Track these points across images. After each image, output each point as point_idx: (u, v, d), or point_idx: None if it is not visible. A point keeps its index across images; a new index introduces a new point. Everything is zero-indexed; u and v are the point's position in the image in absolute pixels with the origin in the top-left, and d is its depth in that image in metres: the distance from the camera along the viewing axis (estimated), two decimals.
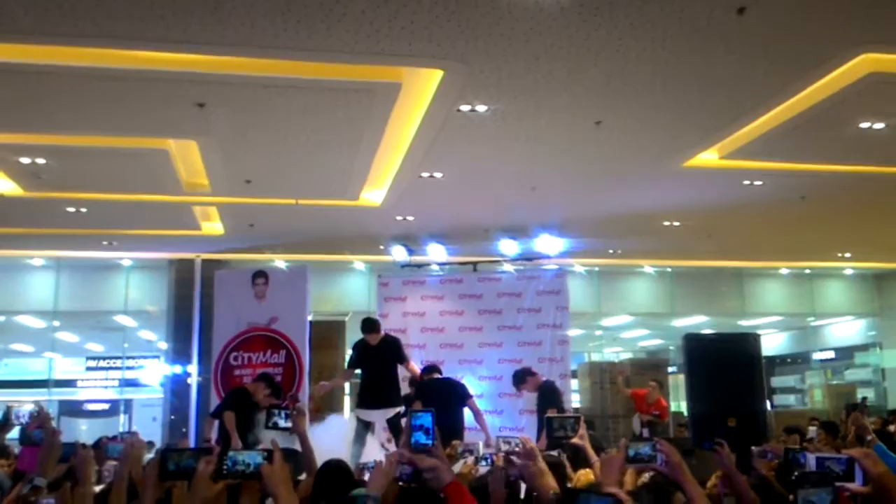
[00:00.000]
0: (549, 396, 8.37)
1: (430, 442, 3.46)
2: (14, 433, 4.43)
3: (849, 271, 16.35)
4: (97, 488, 4.31)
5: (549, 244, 10.92)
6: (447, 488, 3.09)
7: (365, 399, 8.43)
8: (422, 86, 6.69)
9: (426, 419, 3.58)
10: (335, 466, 3.94)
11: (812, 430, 11.31)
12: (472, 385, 9.51)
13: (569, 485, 4.54)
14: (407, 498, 2.85)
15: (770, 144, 8.06)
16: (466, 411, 8.11)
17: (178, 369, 13.27)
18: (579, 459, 4.38)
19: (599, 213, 10.78)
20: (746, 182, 9.45)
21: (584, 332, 18.96)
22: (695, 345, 8.48)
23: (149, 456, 4.47)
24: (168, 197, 9.73)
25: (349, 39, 5.60)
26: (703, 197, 10.06)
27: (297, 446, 4.14)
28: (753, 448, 3.92)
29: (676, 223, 11.46)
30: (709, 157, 8.71)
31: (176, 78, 6.33)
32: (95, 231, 11.47)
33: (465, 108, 6.93)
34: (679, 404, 16.12)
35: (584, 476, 4.26)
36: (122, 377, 17.38)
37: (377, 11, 5.24)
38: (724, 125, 7.64)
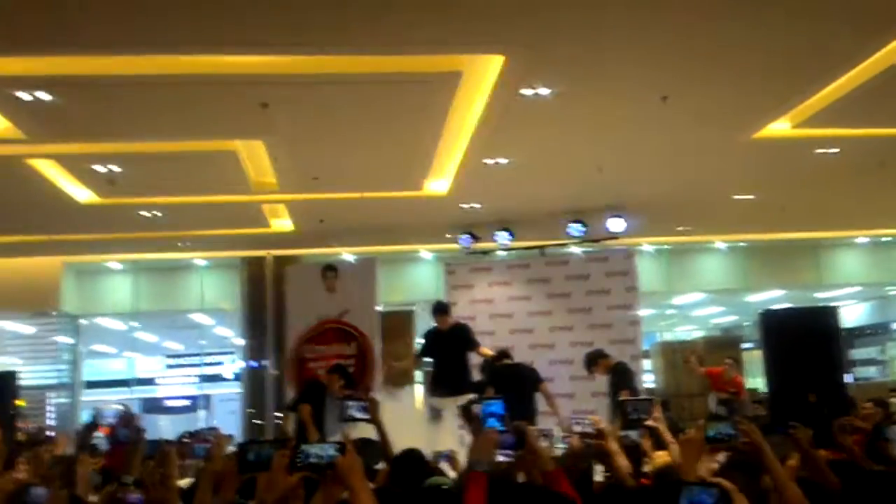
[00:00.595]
0: (621, 378, 8.28)
1: (502, 429, 3.49)
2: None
3: None
4: (181, 482, 4.45)
5: (616, 225, 10.76)
6: (551, 473, 3.10)
7: (436, 386, 8.46)
8: (483, 72, 6.65)
9: (498, 406, 3.59)
10: (410, 455, 3.98)
11: (894, 401, 10.94)
12: (543, 369, 9.45)
13: (645, 468, 4.49)
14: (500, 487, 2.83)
15: (845, 110, 7.74)
16: (539, 396, 8.05)
17: (253, 364, 13.58)
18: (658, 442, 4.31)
19: (667, 190, 10.55)
20: (821, 151, 9.12)
21: (655, 312, 18.68)
22: (772, 321, 8.25)
23: (231, 449, 4.59)
24: (237, 197, 9.94)
25: (408, 31, 5.60)
26: (775, 168, 9.74)
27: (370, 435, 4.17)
28: (834, 422, 3.77)
29: (748, 196, 11.14)
30: (780, 127, 8.42)
31: (239, 80, 6.46)
32: (169, 234, 11.78)
33: (527, 92, 6.85)
34: (754, 380, 15.77)
35: (660, 458, 4.19)
36: (201, 373, 17.86)
37: (434, 0, 5.22)
38: (796, 93, 7.38)
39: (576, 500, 2.79)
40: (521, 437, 3.11)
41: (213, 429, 10.55)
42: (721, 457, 4.27)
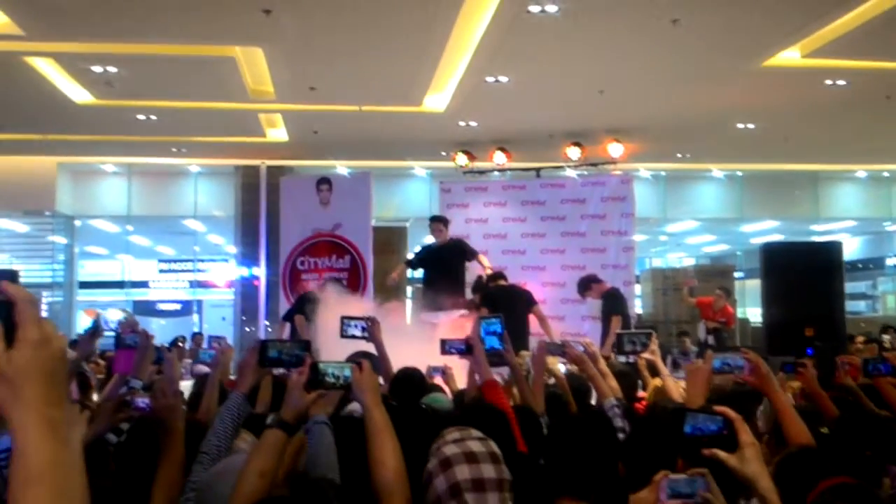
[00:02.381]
0: (613, 303, 8.35)
1: (501, 346, 3.58)
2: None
3: None
4: (183, 384, 4.53)
5: (615, 149, 10.67)
6: (485, 384, 3.25)
7: (429, 301, 8.47)
8: None
9: (497, 325, 3.68)
10: (409, 374, 4.05)
11: (886, 337, 11.11)
12: (535, 291, 9.51)
13: (640, 393, 4.59)
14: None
15: (857, 42, 7.62)
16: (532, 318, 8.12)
17: (246, 272, 13.65)
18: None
19: (670, 116, 10.44)
20: (829, 82, 9.01)
21: (648, 238, 18.73)
22: (773, 254, 8.25)
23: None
24: (234, 104, 9.80)
25: None
26: (781, 98, 9.63)
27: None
28: (838, 360, 3.81)
29: (751, 126, 11.03)
30: (790, 56, 8.30)
31: None
32: (165, 138, 11.67)
33: (534, 8, 6.68)
34: (745, 310, 15.95)
35: (654, 384, 4.29)
36: (193, 279, 17.96)
37: None
38: (810, 21, 7.24)
39: (505, 411, 2.87)
40: (470, 346, 3.38)
41: (221, 338, 10.59)
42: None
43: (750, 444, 1.85)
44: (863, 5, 6.83)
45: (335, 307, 6.67)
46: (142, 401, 2.67)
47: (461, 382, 4.44)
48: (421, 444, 2.24)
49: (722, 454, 1.85)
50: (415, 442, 2.25)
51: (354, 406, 2.71)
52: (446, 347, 3.63)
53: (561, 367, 4.72)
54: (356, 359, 4.55)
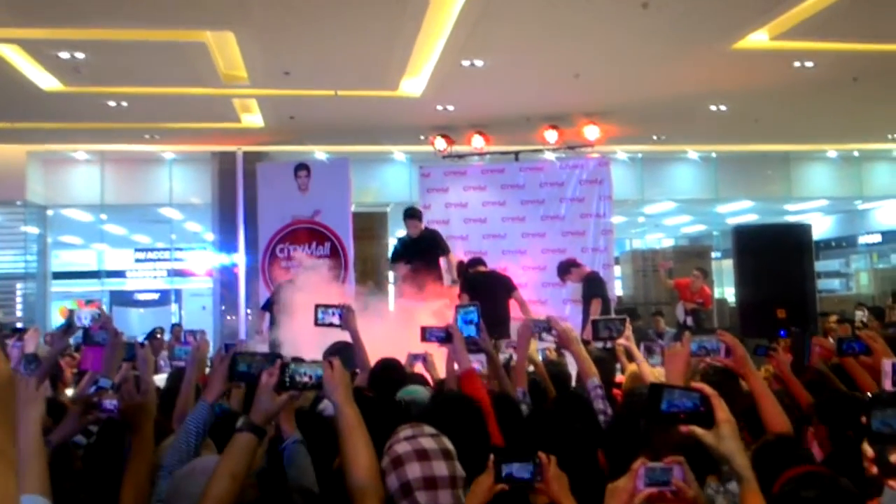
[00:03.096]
0: (594, 287, 8.39)
1: (477, 335, 3.63)
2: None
3: None
4: (156, 377, 4.50)
5: (591, 132, 10.71)
6: (462, 374, 3.28)
7: (409, 291, 8.49)
8: None
9: (473, 314, 3.72)
10: (387, 365, 4.05)
11: (859, 315, 11.31)
12: (516, 275, 9.55)
13: (618, 378, 4.65)
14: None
15: (824, 23, 7.71)
16: (513, 303, 8.16)
17: (225, 260, 13.57)
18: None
19: (644, 98, 10.50)
20: (797, 64, 9.11)
21: (627, 220, 18.83)
22: (744, 236, 8.35)
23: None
24: (207, 90, 9.69)
25: None
26: (751, 80, 9.72)
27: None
28: (812, 346, 3.84)
29: (723, 107, 11.13)
30: (759, 38, 8.37)
31: None
32: (137, 125, 11.54)
33: None
34: (722, 290, 16.12)
35: (630, 370, 4.34)
36: (171, 268, 17.80)
37: None
38: (777, 3, 7.31)
39: (482, 401, 2.89)
40: (450, 334, 3.47)
41: (198, 331, 10.49)
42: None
43: (726, 421, 1.85)
44: None
45: (313, 294, 6.67)
46: (109, 402, 2.62)
47: (442, 369, 4.46)
48: None
49: (699, 430, 1.84)
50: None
51: (327, 403, 2.72)
52: (426, 335, 3.65)
53: (539, 353, 4.77)
54: (328, 355, 4.58)
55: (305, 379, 2.18)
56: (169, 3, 6.92)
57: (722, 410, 1.86)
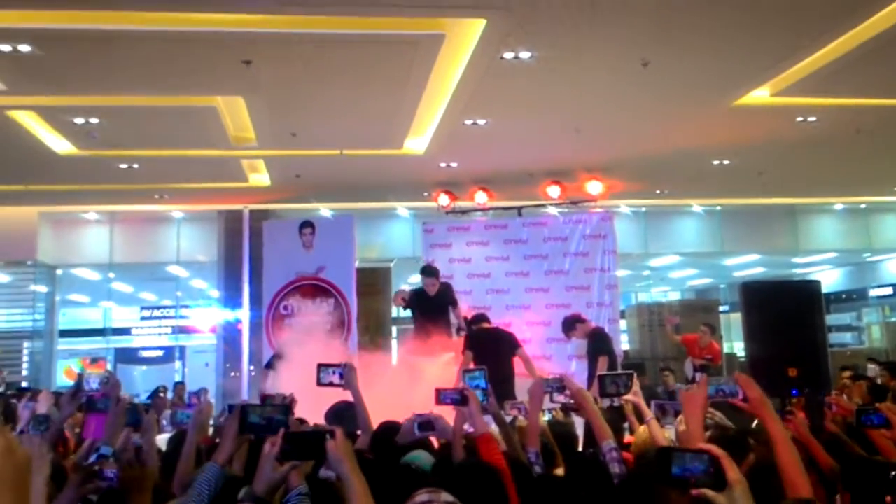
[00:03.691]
0: (599, 343, 8.33)
1: (485, 399, 3.62)
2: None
3: None
4: (158, 437, 4.46)
5: (594, 187, 10.78)
6: (479, 438, 3.24)
7: (417, 345, 8.45)
8: (465, 35, 6.59)
9: (480, 379, 3.72)
10: (389, 428, 4.01)
11: (872, 369, 11.14)
12: (520, 330, 9.52)
13: (627, 438, 4.57)
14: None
15: (825, 80, 7.80)
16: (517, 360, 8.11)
17: (229, 316, 13.58)
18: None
19: (646, 154, 10.59)
20: (799, 119, 9.19)
21: (632, 273, 18.79)
22: (752, 292, 8.29)
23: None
24: (216, 151, 9.86)
25: None
26: (754, 135, 9.80)
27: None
28: (825, 410, 3.76)
29: (726, 162, 11.20)
30: (760, 95, 8.46)
31: (223, 37, 6.37)
32: (147, 185, 11.70)
33: (508, 55, 6.81)
34: (731, 344, 15.97)
35: (642, 433, 4.26)
36: (176, 325, 17.81)
37: None
38: (777, 62, 7.40)
39: (501, 468, 2.84)
40: (465, 396, 3.44)
41: (201, 391, 10.47)
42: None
43: (738, 482, 1.83)
44: (826, 46, 7.01)
45: (314, 352, 6.65)
46: (110, 471, 2.61)
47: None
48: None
49: (710, 493, 1.83)
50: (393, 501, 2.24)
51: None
52: (441, 397, 3.61)
53: (546, 413, 4.72)
54: (331, 415, 4.53)
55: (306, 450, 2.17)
56: (181, 72, 7.09)
57: (732, 471, 1.84)
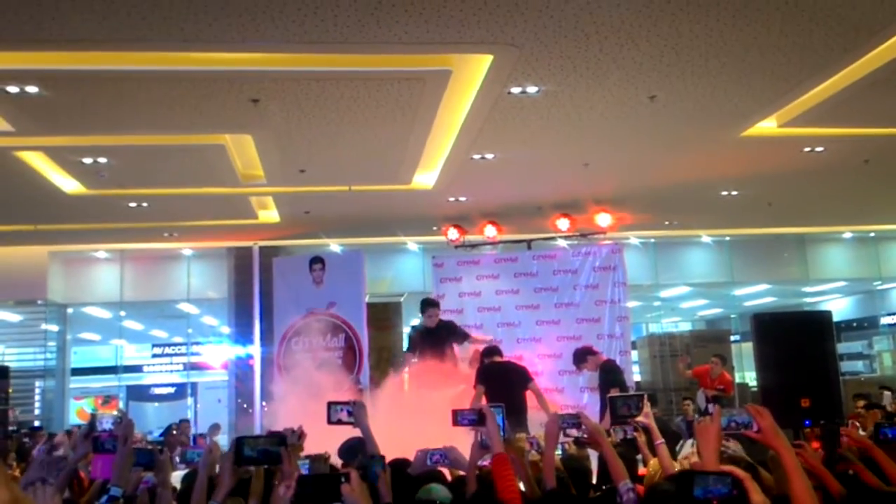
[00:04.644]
0: (611, 375, 8.33)
1: (502, 434, 3.60)
2: None
3: None
4: (176, 475, 4.45)
5: (603, 219, 10.81)
6: (495, 458, 3.23)
7: (424, 381, 8.46)
8: (472, 70, 6.66)
9: (498, 417, 3.72)
10: (399, 465, 3.99)
11: (887, 396, 11.07)
12: (531, 363, 9.49)
13: (641, 470, 4.54)
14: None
15: (832, 110, 7.82)
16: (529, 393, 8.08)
17: (241, 352, 13.58)
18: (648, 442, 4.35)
19: (654, 186, 10.62)
20: (807, 149, 9.21)
21: (642, 304, 18.75)
22: (764, 324, 8.26)
23: (216, 438, 4.55)
24: (225, 189, 9.93)
25: (399, 30, 5.60)
26: (762, 165, 9.82)
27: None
28: (842, 437, 3.74)
29: (734, 192, 11.21)
30: (767, 126, 8.49)
31: (230, 76, 6.44)
32: (156, 224, 11.78)
33: (515, 90, 6.87)
34: (743, 374, 15.87)
35: (654, 464, 4.23)
36: (187, 361, 17.82)
37: (425, 0, 5.23)
38: (784, 93, 7.43)
39: (513, 495, 2.84)
40: (483, 415, 3.44)
41: (216, 425, 10.44)
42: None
43: None
44: (832, 78, 7.05)
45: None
46: None
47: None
48: None
49: None
50: None
51: None
52: (458, 418, 3.60)
53: (559, 447, 4.68)
54: (343, 452, 4.52)
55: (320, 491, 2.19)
56: (189, 111, 7.16)
57: (756, 493, 1.85)
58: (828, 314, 8.46)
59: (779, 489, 3.06)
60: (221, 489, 2.54)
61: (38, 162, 8.83)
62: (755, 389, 11.97)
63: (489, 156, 8.90)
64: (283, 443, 2.59)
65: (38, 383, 13.90)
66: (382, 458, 3.33)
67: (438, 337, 8.69)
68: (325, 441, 4.43)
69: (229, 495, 2.58)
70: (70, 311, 14.52)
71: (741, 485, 1.84)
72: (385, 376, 9.96)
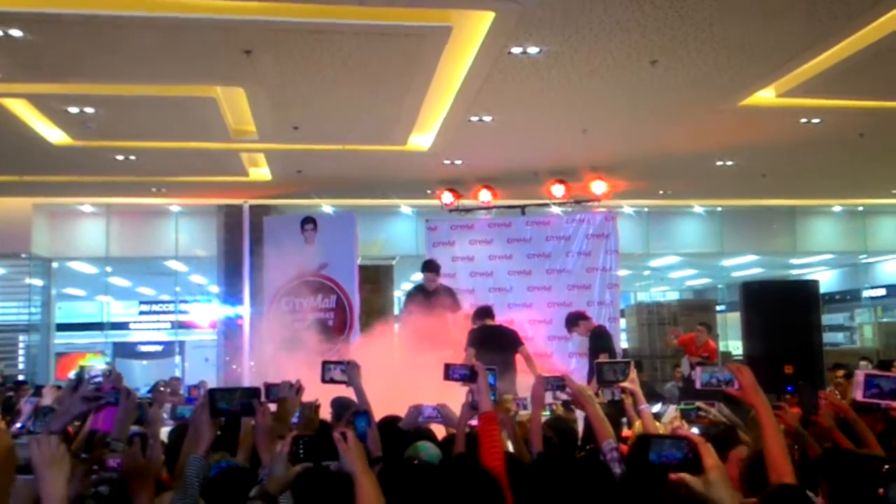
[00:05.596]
0: (600, 341, 8.36)
1: (493, 398, 3.60)
2: None
3: None
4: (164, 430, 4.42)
5: (598, 186, 10.76)
6: (482, 417, 3.22)
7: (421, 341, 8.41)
8: (472, 28, 6.53)
9: (490, 378, 3.71)
10: (390, 424, 3.99)
11: (863, 366, 11.20)
12: (522, 328, 9.48)
13: (625, 432, 4.56)
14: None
15: (830, 81, 7.78)
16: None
17: (229, 312, 13.53)
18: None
19: (651, 154, 10.57)
20: (804, 120, 9.18)
21: (632, 273, 18.85)
22: (752, 292, 8.31)
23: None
24: (215, 144, 9.78)
25: None
26: (758, 136, 9.79)
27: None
28: (820, 400, 3.79)
29: (730, 163, 11.19)
30: (766, 96, 8.45)
31: (223, 25, 6.27)
32: (144, 178, 11.61)
33: (516, 50, 6.76)
34: (727, 343, 16.02)
35: (639, 427, 4.25)
36: (175, 320, 17.77)
37: None
38: (784, 62, 7.38)
39: (497, 469, 2.87)
40: (474, 372, 3.46)
41: (203, 382, 10.43)
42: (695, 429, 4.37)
43: (714, 468, 1.88)
44: (833, 48, 6.99)
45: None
46: (113, 461, 2.61)
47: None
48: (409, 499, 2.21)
49: (689, 478, 1.87)
50: (402, 498, 2.23)
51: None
52: (449, 373, 3.60)
53: (546, 408, 4.69)
54: (335, 408, 4.52)
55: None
56: (179, 59, 7.00)
57: (710, 457, 1.90)
58: (814, 284, 8.54)
59: (756, 447, 3.11)
60: (203, 442, 2.55)
61: (23, 110, 8.63)
62: (738, 358, 12.10)
63: (487, 118, 8.80)
64: (256, 395, 2.63)
65: (22, 338, 13.81)
66: (368, 412, 3.33)
67: (436, 300, 8.63)
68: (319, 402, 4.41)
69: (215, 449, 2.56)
70: (55, 265, 14.38)
71: (696, 448, 1.87)
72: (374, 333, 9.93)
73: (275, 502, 2.14)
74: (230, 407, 2.59)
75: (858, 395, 2.47)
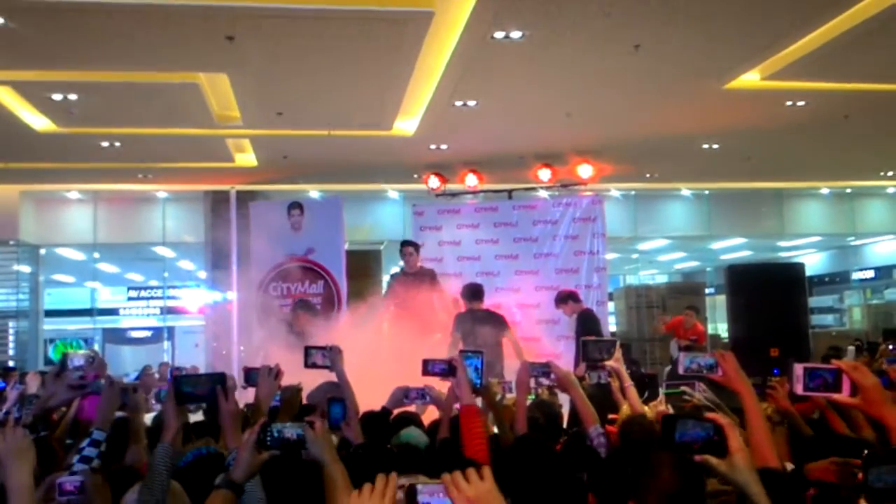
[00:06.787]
0: (588, 325, 8.38)
1: (479, 381, 3.62)
2: None
3: (891, 190, 15.91)
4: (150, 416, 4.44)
5: (584, 170, 10.77)
6: (463, 409, 3.24)
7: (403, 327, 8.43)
8: (455, 13, 6.52)
9: (478, 362, 3.73)
10: (374, 416, 4.00)
11: (851, 351, 11.28)
12: (509, 313, 9.50)
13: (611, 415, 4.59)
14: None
15: (815, 64, 7.79)
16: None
17: (218, 297, 13.51)
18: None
19: (636, 137, 10.57)
20: (789, 103, 9.19)
21: (620, 256, 18.88)
22: (738, 274, 8.35)
23: None
24: (200, 130, 9.73)
25: None
26: (743, 119, 9.80)
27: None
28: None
29: (715, 146, 11.21)
30: (751, 78, 8.45)
31: (205, 11, 6.24)
32: (130, 164, 11.56)
33: (499, 34, 6.74)
34: (716, 326, 16.10)
35: (626, 410, 4.29)
36: (164, 305, 17.75)
37: None
38: (768, 45, 7.38)
39: (479, 446, 2.93)
40: (453, 367, 3.42)
41: (193, 368, 10.44)
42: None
43: (739, 450, 1.88)
44: (818, 30, 6.99)
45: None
46: (70, 483, 2.57)
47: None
48: None
49: (713, 460, 1.88)
50: None
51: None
52: (428, 368, 3.59)
53: (532, 393, 4.72)
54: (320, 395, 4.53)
55: (288, 435, 2.19)
56: (162, 47, 6.96)
57: (735, 440, 1.90)
58: (800, 266, 8.59)
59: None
60: (168, 431, 2.53)
61: (6, 97, 8.58)
62: (727, 341, 12.18)
63: (471, 103, 8.78)
64: (221, 381, 2.63)
65: (11, 324, 13.78)
66: (343, 401, 3.33)
67: (420, 283, 8.63)
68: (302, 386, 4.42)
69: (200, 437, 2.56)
70: (43, 251, 14.33)
71: (722, 430, 1.88)
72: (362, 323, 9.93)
73: (240, 489, 2.14)
74: (195, 391, 2.59)
75: (799, 388, 2.48)
